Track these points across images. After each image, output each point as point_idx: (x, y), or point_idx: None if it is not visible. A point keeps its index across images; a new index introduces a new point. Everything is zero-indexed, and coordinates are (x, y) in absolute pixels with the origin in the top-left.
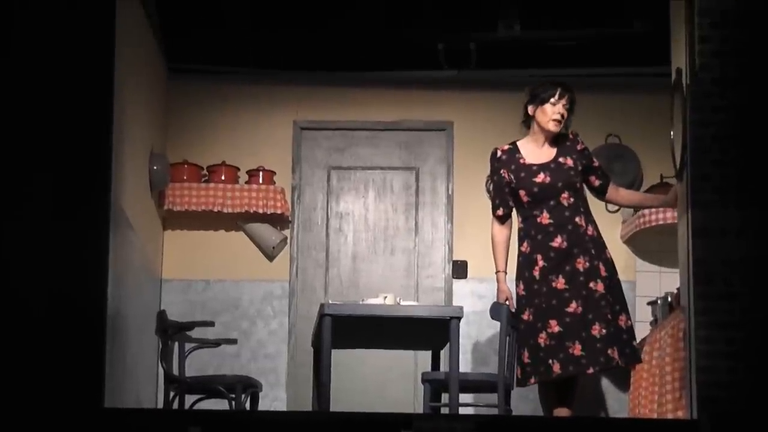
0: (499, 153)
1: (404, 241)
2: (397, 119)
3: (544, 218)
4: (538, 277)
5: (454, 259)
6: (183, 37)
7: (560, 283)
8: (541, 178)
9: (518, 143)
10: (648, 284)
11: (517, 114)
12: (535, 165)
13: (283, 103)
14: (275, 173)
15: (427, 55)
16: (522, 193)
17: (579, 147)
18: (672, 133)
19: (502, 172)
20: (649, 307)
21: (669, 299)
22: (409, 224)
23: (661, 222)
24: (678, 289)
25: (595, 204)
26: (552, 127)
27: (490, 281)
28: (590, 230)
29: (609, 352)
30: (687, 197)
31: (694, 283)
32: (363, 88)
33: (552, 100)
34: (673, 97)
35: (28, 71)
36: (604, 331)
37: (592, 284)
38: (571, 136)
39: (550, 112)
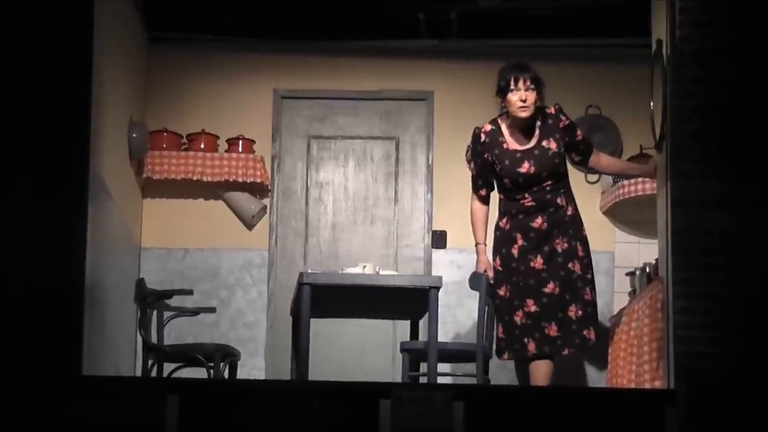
0: (482, 136)
1: (384, 211)
2: (378, 89)
3: (527, 201)
4: (516, 256)
5: (434, 228)
6: (164, 5)
7: (538, 263)
8: (525, 168)
9: (500, 122)
10: (627, 255)
11: None
12: (519, 151)
13: (263, 71)
14: (255, 142)
15: (408, 24)
16: (506, 180)
17: (561, 124)
18: (652, 104)
19: (486, 156)
20: (628, 278)
21: (647, 270)
22: (388, 194)
23: (640, 193)
24: (656, 259)
25: (574, 174)
26: (521, 114)
27: (469, 251)
28: (570, 210)
29: (585, 333)
30: (666, 168)
31: (673, 254)
32: (343, 57)
33: (511, 87)
34: (653, 69)
35: (5, 39)
36: (580, 312)
37: (570, 265)
38: (553, 111)
39: (514, 101)
